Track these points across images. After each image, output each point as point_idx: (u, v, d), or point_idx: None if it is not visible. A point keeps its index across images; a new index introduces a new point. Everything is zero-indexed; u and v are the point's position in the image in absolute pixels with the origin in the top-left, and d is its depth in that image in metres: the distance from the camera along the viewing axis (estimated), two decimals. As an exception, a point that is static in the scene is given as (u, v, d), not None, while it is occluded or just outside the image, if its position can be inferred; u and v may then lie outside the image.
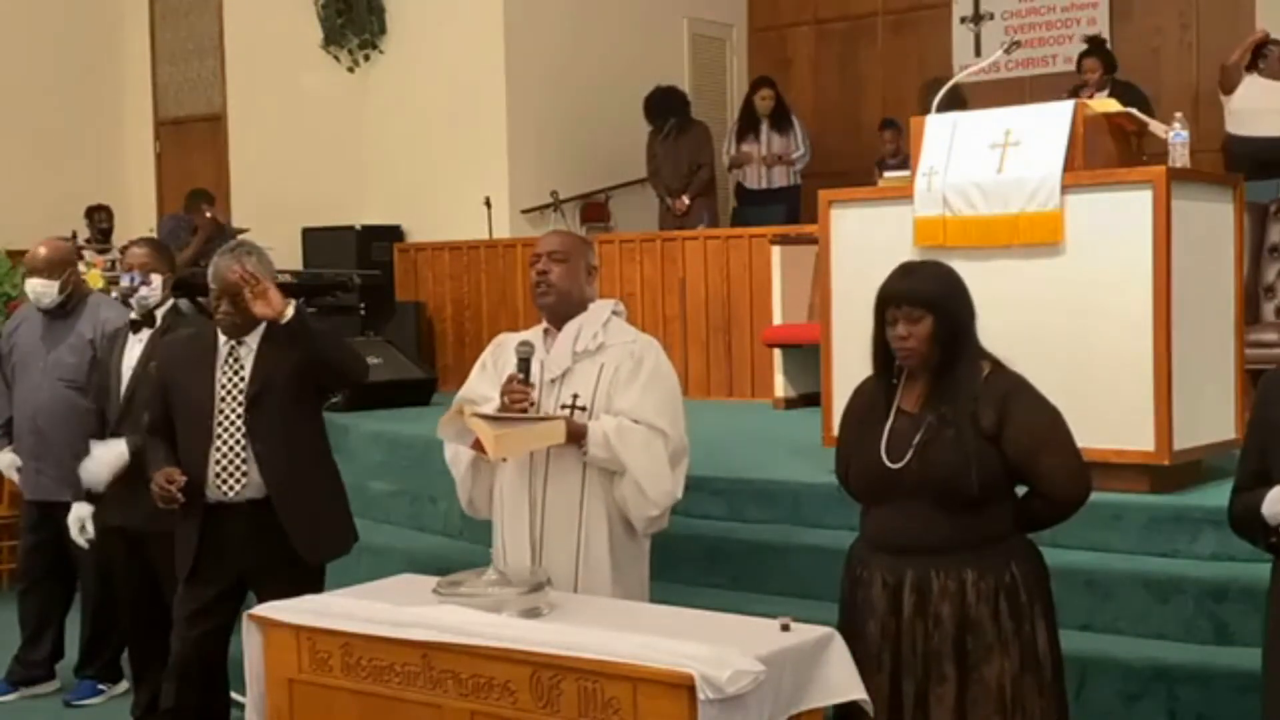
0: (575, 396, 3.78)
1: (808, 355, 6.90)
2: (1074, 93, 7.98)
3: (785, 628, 3.14)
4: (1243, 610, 3.97)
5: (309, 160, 10.68)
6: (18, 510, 6.27)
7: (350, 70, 10.61)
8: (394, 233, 10.24)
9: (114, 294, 5.77)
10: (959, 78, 5.75)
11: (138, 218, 11.10)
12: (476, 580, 3.49)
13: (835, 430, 3.67)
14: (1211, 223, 4.83)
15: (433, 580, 3.59)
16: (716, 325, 8.37)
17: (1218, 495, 3.70)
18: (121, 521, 4.85)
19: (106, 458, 4.72)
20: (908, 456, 3.23)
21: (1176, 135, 4.77)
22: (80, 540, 5.05)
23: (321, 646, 3.45)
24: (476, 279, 9.56)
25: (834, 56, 11.83)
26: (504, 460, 3.80)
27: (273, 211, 10.25)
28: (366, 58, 10.55)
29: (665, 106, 9.77)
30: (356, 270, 9.28)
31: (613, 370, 3.78)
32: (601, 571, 3.77)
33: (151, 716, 4.91)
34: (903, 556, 3.25)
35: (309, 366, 4.23)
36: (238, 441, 4.21)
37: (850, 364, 4.24)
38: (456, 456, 3.95)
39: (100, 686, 5.54)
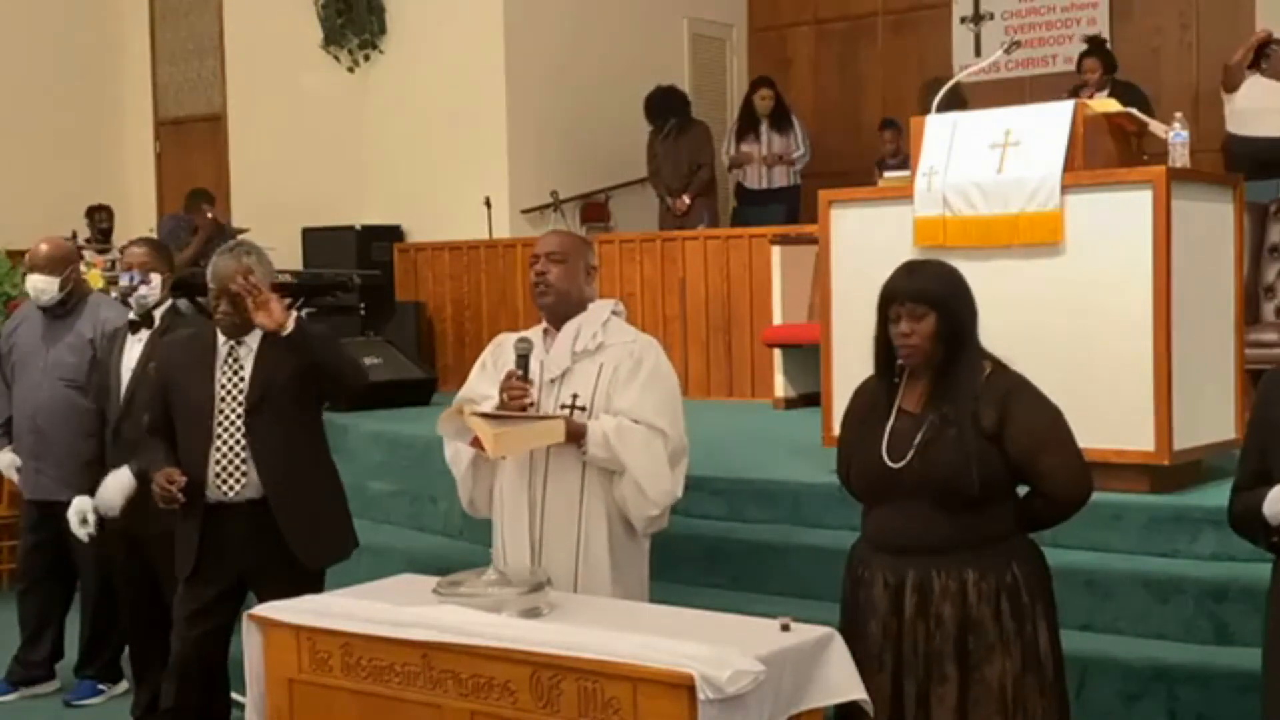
0: (575, 396, 3.78)
1: (808, 355, 6.90)
2: (1074, 93, 7.97)
3: (785, 628, 3.14)
4: (1243, 610, 3.97)
5: (309, 160, 10.67)
6: (17, 510, 6.26)
7: (350, 70, 10.61)
8: (394, 233, 10.23)
9: (113, 293, 5.76)
10: (959, 78, 5.75)
11: (138, 218, 11.09)
12: (476, 580, 3.49)
13: (835, 430, 3.67)
14: (1211, 223, 4.83)
15: (433, 580, 3.59)
16: (716, 325, 8.36)
17: (1218, 495, 3.70)
18: (123, 524, 4.84)
19: (116, 485, 4.68)
20: (909, 456, 3.23)
21: (1176, 135, 4.77)
22: (81, 534, 4.99)
23: (321, 646, 3.45)
24: (476, 279, 9.55)
25: (834, 56, 11.82)
26: (503, 458, 3.80)
27: (273, 211, 10.24)
28: (366, 58, 10.54)
29: (665, 106, 9.76)
30: (356, 270, 9.26)
31: (612, 370, 3.78)
32: (601, 571, 3.77)
33: (151, 716, 4.92)
34: (904, 556, 3.25)
35: (309, 371, 4.24)
36: (237, 441, 4.21)
37: (850, 364, 4.24)
38: (457, 455, 3.95)
39: (100, 686, 5.54)
